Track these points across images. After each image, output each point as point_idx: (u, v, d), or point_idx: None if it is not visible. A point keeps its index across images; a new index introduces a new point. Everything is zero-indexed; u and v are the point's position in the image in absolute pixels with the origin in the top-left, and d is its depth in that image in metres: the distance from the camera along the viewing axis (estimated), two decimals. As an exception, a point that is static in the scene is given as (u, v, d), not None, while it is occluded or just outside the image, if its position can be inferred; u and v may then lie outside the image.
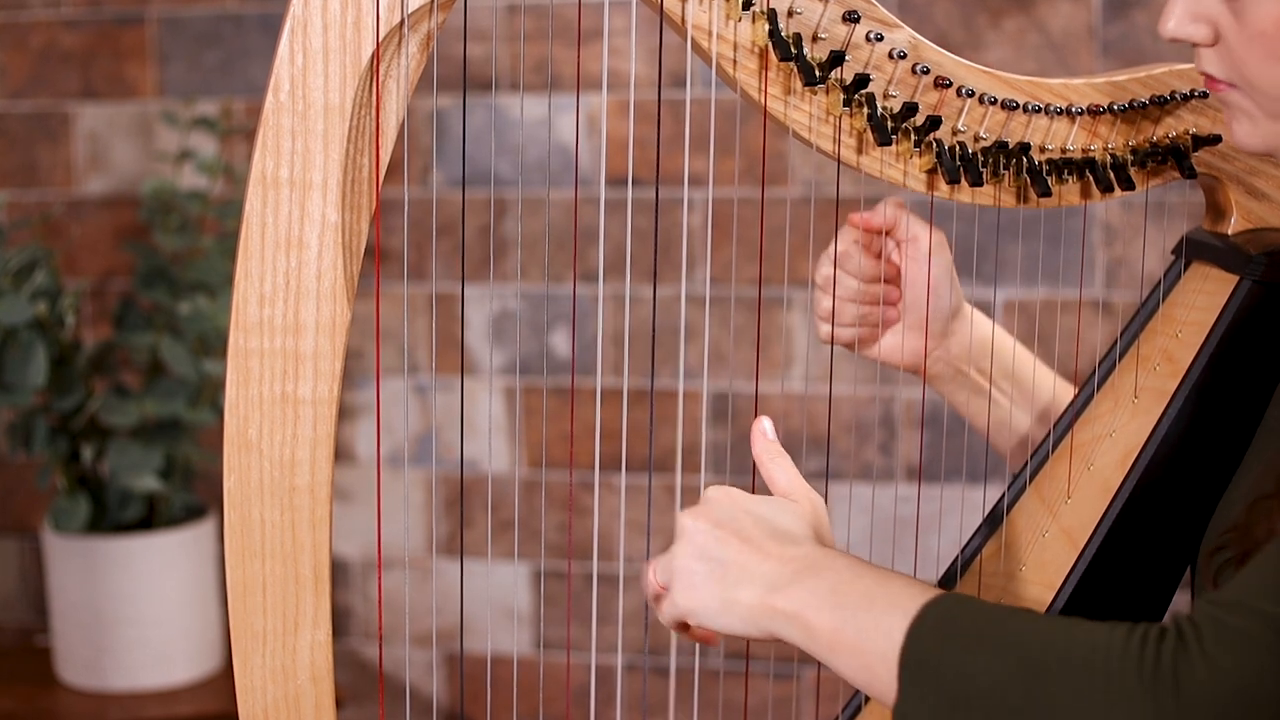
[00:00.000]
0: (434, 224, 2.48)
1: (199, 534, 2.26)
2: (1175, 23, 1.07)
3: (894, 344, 1.37)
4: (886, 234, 1.34)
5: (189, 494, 2.30)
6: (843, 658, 0.98)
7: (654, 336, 1.71)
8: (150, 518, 2.28)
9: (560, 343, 2.43)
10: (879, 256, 1.35)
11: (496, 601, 2.47)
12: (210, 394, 2.25)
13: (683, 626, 1.07)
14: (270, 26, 2.47)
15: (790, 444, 2.35)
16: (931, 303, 1.33)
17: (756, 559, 1.02)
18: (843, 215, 1.33)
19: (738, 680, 2.37)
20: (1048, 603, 1.21)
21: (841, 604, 0.98)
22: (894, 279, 1.36)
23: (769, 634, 1.02)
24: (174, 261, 2.29)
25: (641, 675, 2.43)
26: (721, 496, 1.07)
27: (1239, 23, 1.03)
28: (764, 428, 1.11)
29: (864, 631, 0.97)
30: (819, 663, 1.01)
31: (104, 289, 2.55)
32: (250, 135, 2.45)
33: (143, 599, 2.22)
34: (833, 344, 1.37)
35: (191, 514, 2.31)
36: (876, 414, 2.33)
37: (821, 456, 2.31)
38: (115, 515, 2.26)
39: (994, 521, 1.29)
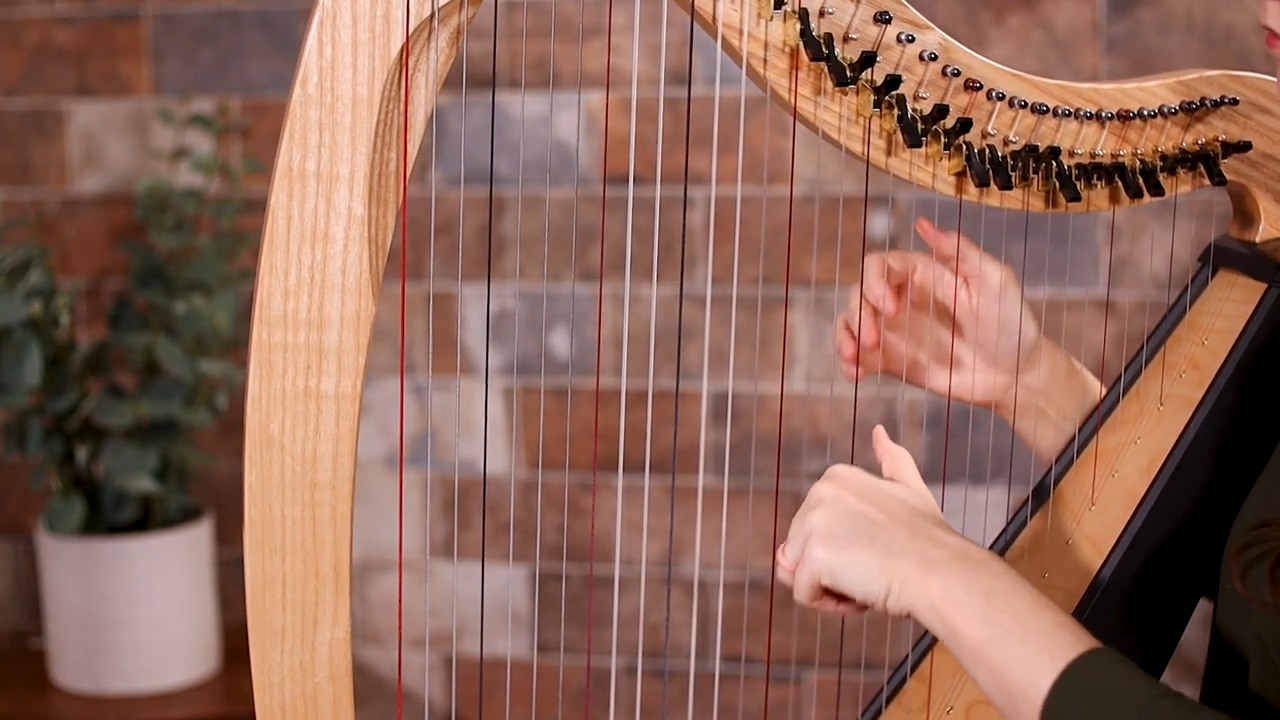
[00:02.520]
0: (433, 222, 2.47)
1: (195, 535, 2.25)
2: None
3: (964, 382, 1.32)
4: (948, 262, 1.29)
5: (184, 495, 2.28)
6: (982, 672, 1.01)
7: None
8: (145, 519, 2.27)
9: (559, 343, 2.42)
10: (899, 291, 1.30)
11: (494, 604, 2.46)
12: (206, 394, 2.23)
13: (820, 593, 1.06)
14: (267, 24, 2.46)
15: (791, 445, 2.35)
16: (1005, 341, 1.28)
17: (906, 534, 1.03)
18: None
19: (736, 683, 2.36)
20: (1070, 610, 1.21)
21: (994, 618, 1.00)
22: (943, 312, 1.32)
23: (905, 610, 1.03)
24: (169, 260, 2.28)
25: (649, 678, 2.42)
26: (852, 473, 1.07)
27: None
28: (881, 431, 1.13)
29: (1010, 662, 0.99)
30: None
31: (99, 288, 2.53)
32: (246, 133, 2.45)
33: (138, 601, 2.20)
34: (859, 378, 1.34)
35: (187, 515, 2.29)
36: (880, 415, 2.33)
37: (823, 457, 2.31)
38: (110, 517, 2.24)
39: (1017, 527, 1.28)
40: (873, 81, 1.16)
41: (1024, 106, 1.19)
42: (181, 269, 2.24)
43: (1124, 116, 1.21)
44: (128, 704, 2.21)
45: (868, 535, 1.03)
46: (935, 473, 2.18)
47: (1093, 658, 0.98)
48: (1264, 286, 1.23)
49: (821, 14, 1.14)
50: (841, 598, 1.06)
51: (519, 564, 2.44)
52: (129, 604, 2.20)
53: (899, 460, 1.12)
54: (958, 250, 1.27)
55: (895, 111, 1.17)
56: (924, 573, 1.02)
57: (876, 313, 1.30)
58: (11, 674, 2.36)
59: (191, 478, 2.32)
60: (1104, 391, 1.33)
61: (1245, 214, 1.27)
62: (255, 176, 2.35)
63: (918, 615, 1.03)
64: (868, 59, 1.15)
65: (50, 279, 2.22)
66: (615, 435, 2.34)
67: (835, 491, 1.05)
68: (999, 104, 1.19)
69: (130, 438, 2.22)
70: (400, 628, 1.70)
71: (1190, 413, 1.22)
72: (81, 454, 2.26)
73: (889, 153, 1.19)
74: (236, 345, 2.28)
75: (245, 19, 2.46)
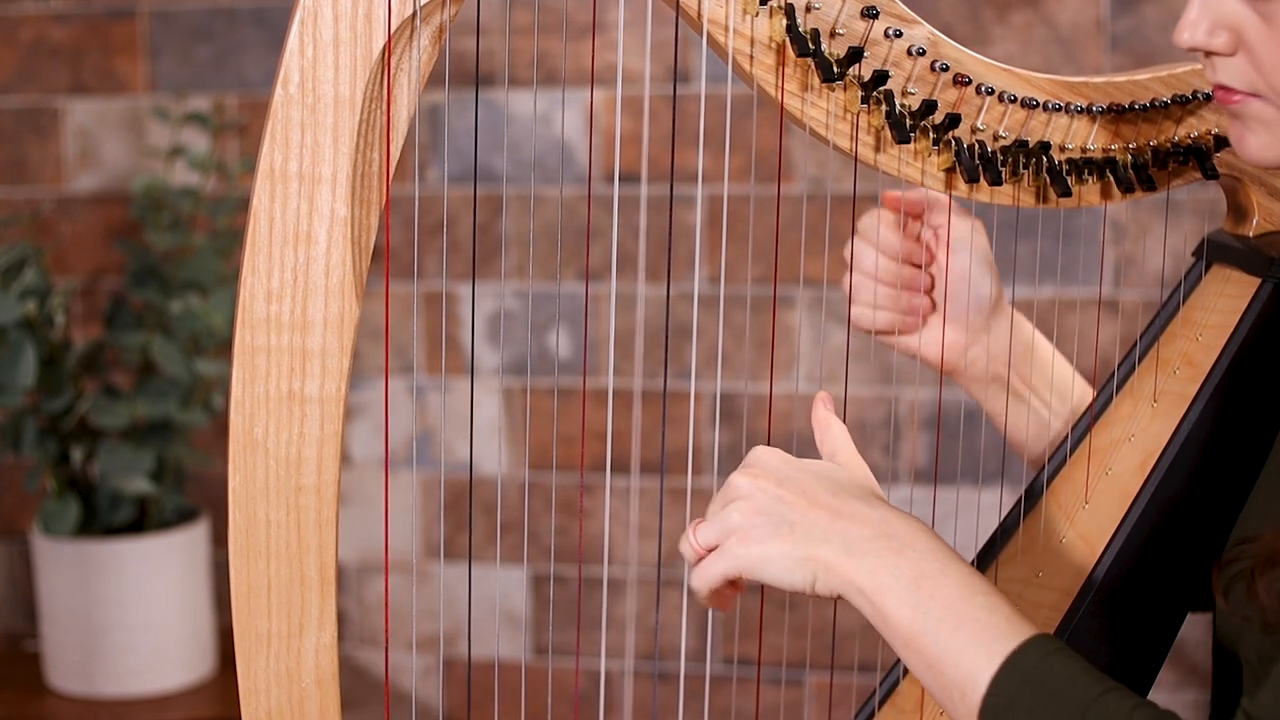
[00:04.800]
0: (416, 221, 2.45)
1: (191, 537, 2.24)
2: (1198, 33, 1.02)
3: (934, 339, 1.33)
4: (919, 219, 1.32)
5: (180, 496, 2.27)
6: (915, 660, 0.99)
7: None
8: (141, 520, 2.26)
9: (557, 342, 2.40)
10: (914, 238, 1.33)
11: (492, 606, 2.45)
12: (202, 395, 2.22)
13: (717, 594, 1.05)
14: (263, 21, 2.45)
15: (792, 445, 2.33)
16: (968, 292, 1.30)
17: (827, 517, 1.01)
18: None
19: (734, 686, 2.35)
20: (1065, 609, 1.20)
21: (924, 605, 0.98)
22: (927, 266, 1.34)
23: (833, 594, 1.01)
24: (165, 260, 2.27)
25: (646, 680, 2.41)
26: (771, 457, 1.06)
27: (1269, 26, 1.00)
28: (825, 397, 1.13)
29: (945, 652, 0.97)
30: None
31: (94, 288, 2.52)
32: (243, 131, 2.44)
33: (134, 603, 2.19)
34: (849, 328, 1.35)
35: (183, 517, 2.28)
36: (880, 415, 2.32)
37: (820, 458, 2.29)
38: (105, 518, 2.23)
39: (1010, 526, 1.27)
40: (860, 77, 1.15)
41: (1014, 101, 1.18)
42: (177, 268, 2.23)
43: (1115, 110, 1.20)
44: (123, 707, 2.20)
45: (787, 524, 1.01)
46: (938, 474, 2.17)
47: (1031, 647, 0.96)
48: (1258, 281, 1.22)
49: (808, 9, 1.13)
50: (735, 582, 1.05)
51: (518, 566, 2.43)
52: (124, 606, 2.19)
53: (830, 430, 1.11)
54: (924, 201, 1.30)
55: (883, 107, 1.16)
56: (847, 556, 1.00)
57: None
58: (6, 677, 2.35)
59: (187, 479, 2.31)
60: (1096, 390, 1.32)
61: (1239, 208, 1.26)
62: (252, 175, 2.33)
63: (847, 598, 1.01)
64: (855, 54, 1.14)
65: (45, 278, 2.21)
66: (614, 436, 2.33)
67: (753, 482, 1.03)
68: (988, 99, 1.18)
69: (126, 438, 2.21)
70: (387, 629, 1.69)
71: (1184, 409, 1.21)
72: (77, 455, 2.25)
73: (877, 149, 1.18)
74: (233, 345, 2.27)
75: (241, 16, 2.45)
